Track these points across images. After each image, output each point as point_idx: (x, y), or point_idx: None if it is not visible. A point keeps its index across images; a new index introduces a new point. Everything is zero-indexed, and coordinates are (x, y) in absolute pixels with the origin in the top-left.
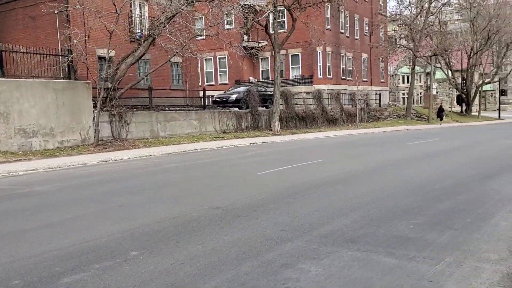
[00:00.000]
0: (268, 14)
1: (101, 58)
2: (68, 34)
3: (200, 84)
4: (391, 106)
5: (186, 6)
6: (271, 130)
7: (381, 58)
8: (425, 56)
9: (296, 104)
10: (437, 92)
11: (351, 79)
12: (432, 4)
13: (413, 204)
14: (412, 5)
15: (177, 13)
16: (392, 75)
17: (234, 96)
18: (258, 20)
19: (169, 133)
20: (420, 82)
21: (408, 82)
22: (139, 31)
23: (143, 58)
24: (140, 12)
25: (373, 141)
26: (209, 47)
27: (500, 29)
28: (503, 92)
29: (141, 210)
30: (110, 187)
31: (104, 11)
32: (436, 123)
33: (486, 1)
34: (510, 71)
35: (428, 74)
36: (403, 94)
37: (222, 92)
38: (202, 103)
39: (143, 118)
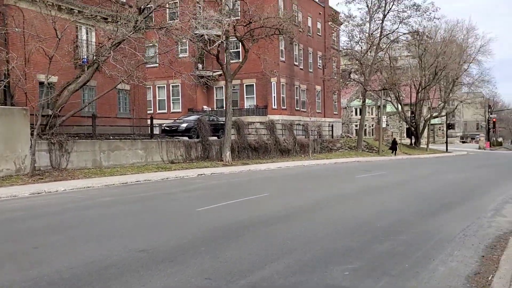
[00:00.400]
0: (220, 44)
1: (42, 83)
2: (5, 57)
3: (152, 112)
4: (344, 137)
5: (132, 33)
6: (222, 160)
7: (334, 91)
8: (374, 90)
9: (249, 134)
10: (387, 125)
11: (305, 110)
12: (382, 40)
13: (352, 245)
14: (362, 41)
15: (123, 40)
16: (345, 107)
17: (184, 125)
18: (210, 50)
19: (113, 163)
20: (372, 114)
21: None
22: (85, 57)
23: (88, 84)
24: (87, 38)
25: (323, 173)
26: (162, 74)
27: (447, 65)
28: (450, 126)
29: (57, 253)
30: (31, 224)
31: (45, 35)
32: (387, 155)
33: (433, 39)
34: (456, 106)
35: (379, 107)
36: (356, 126)
37: (172, 121)
38: (150, 132)
39: (86, 147)
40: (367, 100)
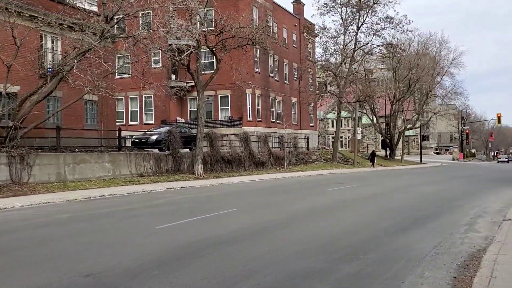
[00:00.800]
0: (190, 53)
1: (0, 93)
2: None
3: (124, 123)
4: (320, 149)
5: (99, 42)
6: (193, 173)
7: (310, 103)
8: (349, 102)
9: (223, 146)
10: (363, 137)
11: (281, 122)
12: (356, 52)
13: (318, 265)
14: (337, 53)
15: (90, 49)
16: (322, 119)
17: (155, 137)
18: (180, 59)
19: (79, 177)
20: (348, 126)
21: (341, 126)
22: (50, 66)
23: (53, 95)
24: (53, 47)
25: (296, 186)
26: (134, 85)
27: (420, 77)
28: (424, 137)
29: None
30: None
31: (3, 42)
32: (362, 166)
33: (407, 51)
34: (430, 118)
35: (355, 119)
36: (332, 138)
37: (142, 133)
38: (118, 144)
39: (49, 160)
40: (343, 112)
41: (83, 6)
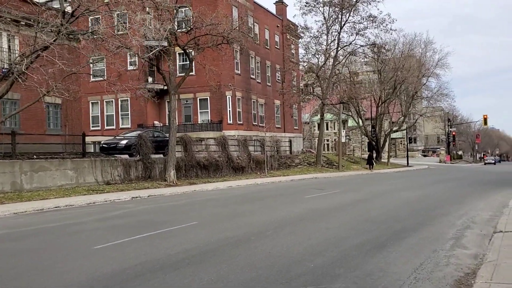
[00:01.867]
0: (157, 52)
1: None
2: None
3: (100, 128)
4: (304, 153)
5: (55, 39)
6: (165, 180)
7: (294, 106)
8: (332, 104)
9: (199, 151)
10: (349, 140)
11: (263, 125)
12: (340, 53)
13: None
14: (319, 53)
15: (46, 47)
16: (307, 122)
17: (124, 142)
18: (145, 58)
19: (37, 186)
20: (334, 129)
21: (327, 129)
22: (6, 67)
23: (9, 98)
24: (9, 46)
25: (273, 193)
26: (110, 88)
27: (406, 79)
28: (411, 140)
29: None
30: None
31: None
32: (347, 170)
33: (392, 51)
34: (416, 120)
35: (342, 121)
36: (324, 141)
37: (111, 138)
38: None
39: (3, 168)
40: (329, 115)
41: (42, 0)
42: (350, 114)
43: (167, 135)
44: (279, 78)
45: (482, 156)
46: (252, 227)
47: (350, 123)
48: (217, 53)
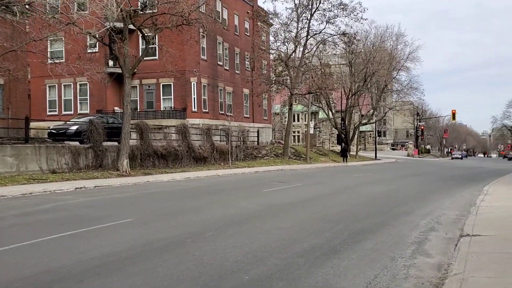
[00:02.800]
0: (107, 31)
1: None
2: None
3: (57, 113)
4: (273, 144)
5: None
6: (118, 170)
7: (264, 95)
8: (300, 94)
9: (157, 139)
10: (320, 132)
11: (231, 114)
12: (310, 42)
13: None
14: (288, 41)
15: None
16: (279, 113)
17: (75, 127)
18: (102, 38)
19: None
20: (305, 121)
21: (297, 120)
22: None
23: None
24: None
25: (231, 185)
26: (68, 71)
27: (376, 71)
28: (380, 133)
29: None
30: None
31: None
32: (315, 162)
33: (363, 43)
34: (385, 113)
35: (312, 113)
36: (292, 132)
37: (62, 123)
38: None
39: None
40: (299, 106)
41: None
42: (320, 106)
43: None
44: (249, 66)
45: (449, 150)
46: (193, 226)
47: (321, 115)
48: (181, 37)
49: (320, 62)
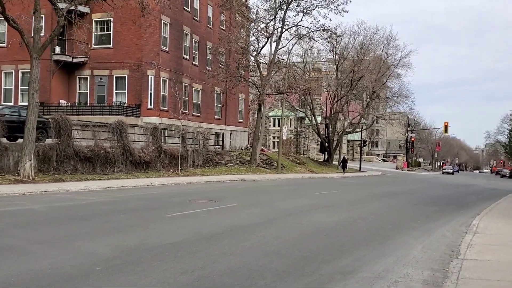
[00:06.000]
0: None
1: None
2: None
3: None
4: (248, 149)
5: None
6: (19, 174)
7: (241, 95)
8: (268, 94)
9: (82, 138)
10: (306, 138)
11: (199, 114)
12: (284, 35)
13: None
14: (260, 33)
15: None
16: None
17: None
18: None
19: None
20: (290, 126)
21: (279, 125)
22: None
23: None
24: None
25: (144, 202)
26: (11, 57)
27: (364, 75)
28: (373, 144)
29: None
30: None
31: None
32: (288, 172)
33: (352, 44)
34: (373, 122)
35: (298, 119)
36: (274, 137)
37: None
38: None
39: None
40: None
41: None
42: (303, 111)
43: (47, 116)
44: (224, 63)
45: (441, 164)
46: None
47: (307, 121)
48: (139, 23)
49: (304, 63)
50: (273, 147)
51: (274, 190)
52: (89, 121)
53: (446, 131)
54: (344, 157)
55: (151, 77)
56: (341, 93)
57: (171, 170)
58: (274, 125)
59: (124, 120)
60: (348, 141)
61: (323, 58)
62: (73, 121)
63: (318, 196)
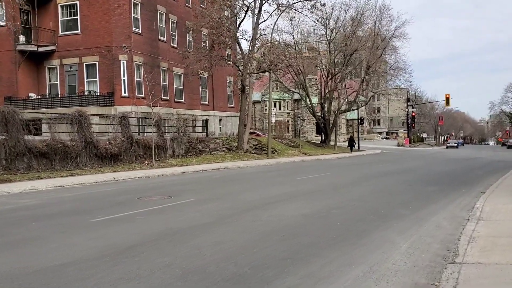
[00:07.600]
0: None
1: None
2: None
3: None
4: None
5: None
6: None
7: (228, 78)
8: (250, 73)
9: (36, 132)
10: (304, 120)
11: (183, 100)
12: (264, 9)
13: None
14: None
15: None
16: (260, 101)
17: None
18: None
19: None
20: (287, 109)
21: (279, 109)
22: None
23: None
24: None
25: (78, 203)
26: None
27: (357, 49)
28: (375, 122)
29: None
30: None
31: None
32: (280, 156)
33: (343, 18)
34: (370, 98)
35: (295, 101)
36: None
37: None
38: None
39: None
40: (282, 93)
41: None
42: (298, 91)
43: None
44: (207, 45)
45: (445, 138)
46: None
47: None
48: (107, 5)
49: (295, 40)
50: (272, 131)
51: (252, 178)
52: (43, 113)
53: (448, 103)
54: (351, 136)
55: (123, 62)
56: (335, 69)
57: (146, 162)
58: (275, 109)
59: (96, 110)
60: (348, 120)
61: (319, 38)
62: (25, 114)
63: (300, 181)
